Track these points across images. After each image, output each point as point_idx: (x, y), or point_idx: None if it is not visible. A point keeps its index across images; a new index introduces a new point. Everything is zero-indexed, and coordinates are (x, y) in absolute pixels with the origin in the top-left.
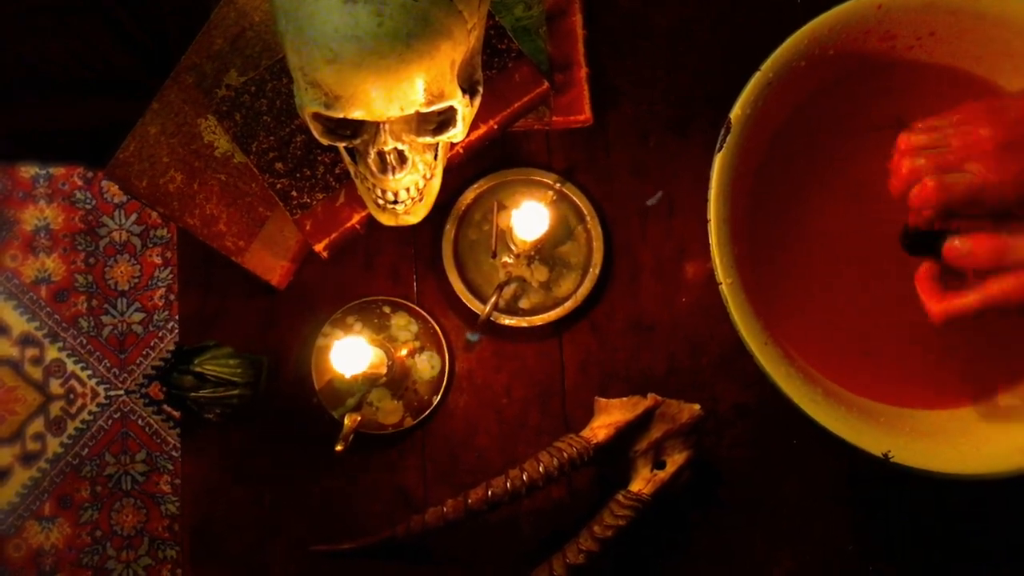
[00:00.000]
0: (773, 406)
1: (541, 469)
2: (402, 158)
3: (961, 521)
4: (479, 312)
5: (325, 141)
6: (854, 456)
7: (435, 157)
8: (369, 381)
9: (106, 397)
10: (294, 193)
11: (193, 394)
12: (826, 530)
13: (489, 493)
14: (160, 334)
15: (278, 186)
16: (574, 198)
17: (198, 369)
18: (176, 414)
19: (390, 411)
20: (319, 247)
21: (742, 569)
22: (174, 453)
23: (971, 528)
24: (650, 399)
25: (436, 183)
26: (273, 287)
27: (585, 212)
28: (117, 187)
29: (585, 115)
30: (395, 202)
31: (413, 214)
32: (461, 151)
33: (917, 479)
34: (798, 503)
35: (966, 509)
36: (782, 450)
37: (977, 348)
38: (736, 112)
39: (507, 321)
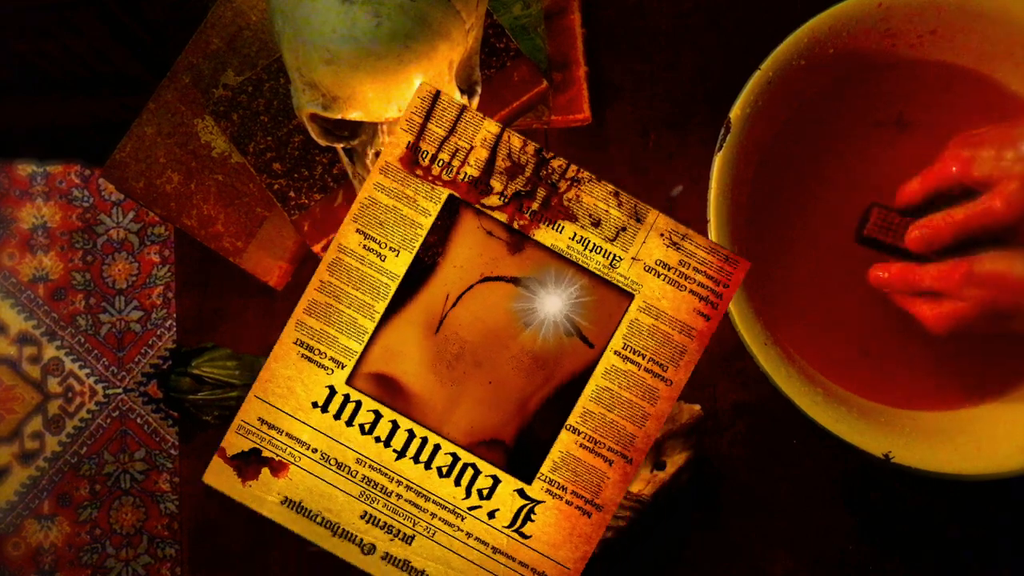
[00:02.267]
0: (773, 406)
1: None
2: None
3: (962, 522)
4: None
5: (323, 142)
6: (855, 456)
7: None
8: None
9: (104, 395)
10: (292, 194)
11: (191, 396)
12: (826, 530)
13: None
14: (158, 332)
15: (276, 187)
16: None
17: (196, 371)
18: (175, 414)
19: None
20: (317, 248)
21: (742, 569)
22: (173, 451)
23: (972, 529)
24: None
25: None
26: (271, 288)
27: None
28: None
29: (584, 114)
30: None
31: None
32: None
33: (918, 479)
34: (798, 503)
35: (967, 509)
36: (782, 450)
37: (978, 348)
38: (736, 111)
39: None
